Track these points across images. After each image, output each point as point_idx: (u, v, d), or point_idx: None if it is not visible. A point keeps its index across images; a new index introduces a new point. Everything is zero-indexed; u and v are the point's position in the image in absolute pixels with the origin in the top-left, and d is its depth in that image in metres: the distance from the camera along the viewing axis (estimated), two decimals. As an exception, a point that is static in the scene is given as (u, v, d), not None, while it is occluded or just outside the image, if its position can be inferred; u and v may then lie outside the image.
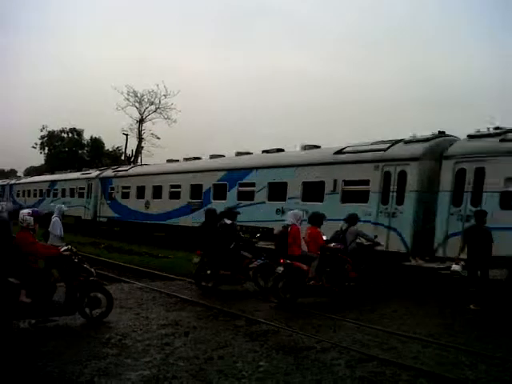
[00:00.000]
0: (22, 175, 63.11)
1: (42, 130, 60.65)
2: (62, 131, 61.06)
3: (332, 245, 10.19)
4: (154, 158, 45.27)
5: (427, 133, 13.57)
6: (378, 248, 11.29)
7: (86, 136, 61.00)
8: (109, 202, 26.61)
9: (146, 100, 51.07)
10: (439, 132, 13.50)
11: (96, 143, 60.17)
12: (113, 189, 26.74)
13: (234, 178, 18.63)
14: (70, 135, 61.35)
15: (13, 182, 44.54)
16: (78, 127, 60.78)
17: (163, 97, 50.18)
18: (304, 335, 7.36)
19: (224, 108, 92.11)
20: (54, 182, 34.63)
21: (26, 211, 7.66)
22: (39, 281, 7.28)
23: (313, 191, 15.36)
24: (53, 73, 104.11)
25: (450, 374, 5.72)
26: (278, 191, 16.60)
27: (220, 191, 19.06)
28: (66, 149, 59.83)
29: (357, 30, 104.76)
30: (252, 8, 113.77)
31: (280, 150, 18.67)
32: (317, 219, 10.22)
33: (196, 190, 20.36)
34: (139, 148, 51.01)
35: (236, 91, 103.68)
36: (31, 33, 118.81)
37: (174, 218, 21.14)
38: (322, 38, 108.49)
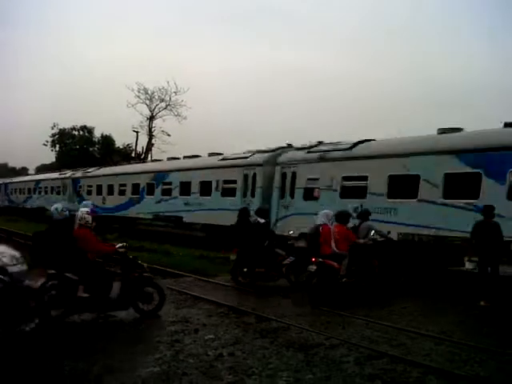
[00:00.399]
0: (34, 173, 63.67)
1: (52, 128, 60.88)
2: (73, 129, 61.30)
3: (362, 241, 10.44)
4: (166, 155, 45.33)
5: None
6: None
7: (97, 133, 61.33)
8: (78, 198, 30.31)
9: (156, 97, 51.11)
10: (287, 144, 18.57)
11: (107, 140, 60.34)
12: (80, 187, 31.62)
13: (159, 178, 23.50)
14: (81, 133, 61.59)
15: (7, 181, 48.65)
16: (88, 125, 61.18)
17: (173, 94, 50.26)
18: (313, 332, 7.38)
19: (236, 106, 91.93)
20: (38, 182, 39.50)
21: (84, 210, 8.04)
22: (97, 277, 7.61)
23: (206, 188, 20.12)
24: (64, 71, 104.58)
25: (460, 371, 5.71)
26: (185, 188, 21.35)
27: (150, 189, 23.99)
28: (77, 146, 60.09)
29: (360, 29, 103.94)
30: (258, 6, 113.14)
31: (196, 156, 23.46)
32: (343, 217, 10.41)
33: (135, 187, 25.20)
34: (149, 145, 51.17)
35: (248, 89, 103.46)
36: (42, 30, 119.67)
37: (122, 210, 25.88)
38: (327, 36, 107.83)
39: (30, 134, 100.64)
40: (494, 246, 9.37)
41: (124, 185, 26.30)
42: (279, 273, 11.08)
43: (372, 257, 10.38)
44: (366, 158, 14.02)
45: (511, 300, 9.38)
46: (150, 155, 49.83)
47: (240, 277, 11.14)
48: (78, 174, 32.66)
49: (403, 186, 12.76)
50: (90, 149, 60.58)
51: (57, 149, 61.66)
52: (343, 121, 75.70)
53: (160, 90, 50.47)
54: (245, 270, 10.96)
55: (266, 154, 17.99)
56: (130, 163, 30.25)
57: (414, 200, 12.40)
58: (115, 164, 35.89)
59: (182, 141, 53.09)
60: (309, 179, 15.50)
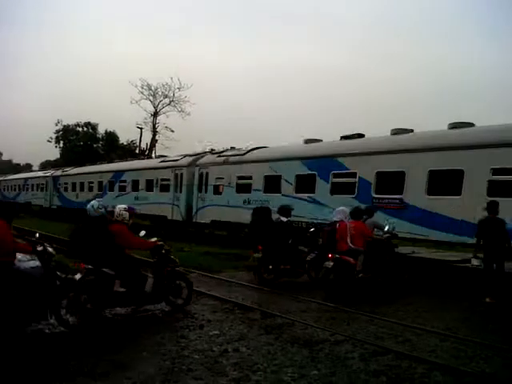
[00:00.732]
0: (38, 169, 63.82)
1: (57, 125, 61.13)
2: (77, 125, 61.42)
3: (377, 236, 10.57)
4: (171, 151, 45.39)
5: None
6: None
7: (101, 130, 61.46)
8: (57, 194, 35.80)
9: (159, 93, 51.30)
10: (211, 149, 23.62)
11: (111, 137, 60.44)
12: (59, 184, 35.77)
13: (117, 177, 27.85)
14: (85, 129, 61.73)
15: (1, 179, 52.09)
16: (92, 121, 61.28)
17: (177, 90, 50.33)
18: (318, 328, 7.38)
19: (239, 102, 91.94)
20: (26, 179, 44.10)
21: (122, 207, 8.21)
22: (133, 271, 7.76)
23: (149, 185, 24.48)
24: (68, 68, 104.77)
25: (466, 368, 5.70)
26: (136, 185, 25.68)
27: (111, 186, 28.26)
28: (81, 143, 60.18)
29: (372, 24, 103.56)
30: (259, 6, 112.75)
31: (150, 158, 30.59)
32: (358, 213, 10.48)
33: (100, 184, 29.65)
34: (153, 141, 51.28)
35: (251, 87, 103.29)
36: (47, 28, 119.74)
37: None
38: (331, 35, 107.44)
39: (35, 130, 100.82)
40: (499, 243, 9.34)
41: (92, 182, 30.76)
42: (304, 269, 11.30)
43: (386, 252, 10.47)
44: (252, 162, 18.42)
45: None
46: (154, 151, 49.97)
47: (265, 274, 11.32)
48: (58, 172, 37.05)
49: (273, 184, 17.02)
50: (94, 145, 60.67)
51: (61, 145, 61.85)
52: (343, 120, 75.63)
53: (163, 86, 50.78)
54: (270, 267, 11.15)
55: (190, 158, 22.56)
56: (103, 163, 33.91)
57: (279, 194, 16.55)
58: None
59: (186, 137, 53.28)
60: (216, 178, 19.93)
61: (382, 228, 10.96)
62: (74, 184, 33.04)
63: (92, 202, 8.15)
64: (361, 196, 13.82)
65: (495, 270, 9.44)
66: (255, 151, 19.09)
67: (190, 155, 23.09)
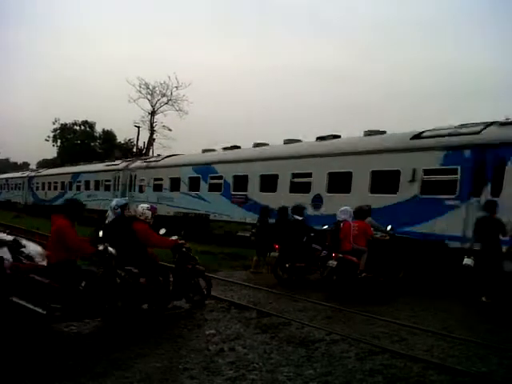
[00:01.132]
0: (35, 168, 63.72)
1: (54, 123, 60.96)
2: (75, 124, 61.24)
3: (379, 236, 10.62)
4: (169, 150, 45.34)
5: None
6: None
7: (98, 129, 61.35)
8: (31, 193, 40.50)
9: (157, 92, 51.15)
10: (157, 155, 28.72)
11: (108, 136, 60.32)
12: (33, 184, 40.36)
13: (75, 178, 32.52)
14: (83, 128, 61.58)
15: None
16: (90, 120, 61.15)
17: (175, 88, 50.23)
18: (314, 327, 7.40)
19: (237, 101, 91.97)
20: (7, 179, 48.77)
21: (145, 206, 8.31)
22: (156, 269, 7.89)
23: (97, 185, 29.16)
24: (65, 66, 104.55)
25: (461, 367, 5.72)
26: (87, 185, 30.56)
27: (70, 186, 32.98)
28: (79, 141, 60.08)
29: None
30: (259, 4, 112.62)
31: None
32: (362, 213, 10.54)
33: (62, 184, 34.31)
34: (151, 140, 51.15)
35: (251, 86, 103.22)
36: (44, 26, 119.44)
37: (54, 201, 33.92)
38: (328, 33, 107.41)
39: (33, 129, 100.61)
40: (495, 242, 9.35)
41: (56, 182, 35.59)
42: (317, 266, 11.40)
43: (387, 252, 10.54)
44: (164, 167, 23.36)
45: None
46: (151, 150, 49.88)
47: (280, 272, 11.47)
48: (32, 174, 42.42)
49: (176, 184, 21.86)
50: (92, 144, 60.54)
51: (58, 144, 61.68)
52: (344, 120, 75.75)
53: (161, 84, 50.58)
54: (287, 265, 11.28)
55: (125, 163, 27.41)
56: (72, 165, 37.85)
57: (179, 192, 21.53)
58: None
59: (184, 136, 53.23)
60: (140, 179, 24.74)
61: (378, 227, 10.98)
62: (43, 184, 38.22)
63: (112, 203, 8.47)
64: (225, 193, 18.78)
65: (491, 270, 9.44)
66: (167, 158, 24.78)
67: (127, 160, 28.84)
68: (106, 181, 27.99)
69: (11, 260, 6.63)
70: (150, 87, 50.68)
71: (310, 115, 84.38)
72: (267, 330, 7.18)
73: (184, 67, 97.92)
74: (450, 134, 12.15)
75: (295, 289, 10.40)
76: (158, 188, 23.22)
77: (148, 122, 51.26)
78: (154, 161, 24.99)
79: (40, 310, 6.14)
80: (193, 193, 20.51)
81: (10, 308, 6.09)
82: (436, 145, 12.10)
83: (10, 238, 7.22)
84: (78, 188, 31.62)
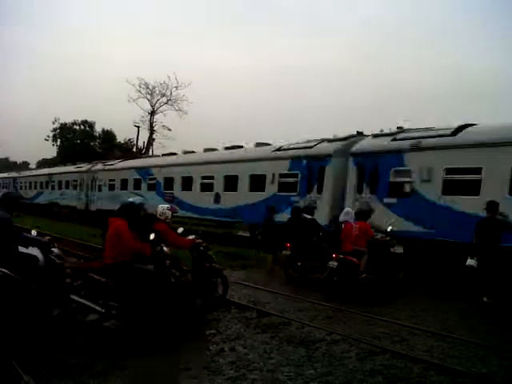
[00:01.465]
0: (35, 167, 63.71)
1: (54, 123, 60.92)
2: (74, 123, 61.19)
3: (380, 236, 10.66)
4: (168, 150, 45.28)
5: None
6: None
7: (98, 128, 61.32)
8: (15, 191, 44.25)
9: (157, 92, 51.15)
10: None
11: (108, 135, 60.29)
12: (17, 183, 45.52)
13: (51, 178, 37.05)
14: (82, 127, 61.54)
15: None
16: (89, 119, 61.12)
17: (174, 88, 50.23)
18: (315, 327, 7.40)
19: (236, 102, 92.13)
20: None
21: (165, 206, 8.52)
22: (176, 268, 7.98)
23: (68, 184, 33.67)
24: (65, 66, 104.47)
25: (461, 368, 5.71)
26: (60, 185, 35.05)
27: (47, 185, 37.54)
28: (78, 141, 60.04)
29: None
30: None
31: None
32: (363, 214, 10.57)
33: (41, 184, 39.05)
34: (150, 140, 51.16)
35: (248, 86, 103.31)
36: (44, 27, 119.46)
37: (34, 199, 39.29)
38: (329, 34, 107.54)
39: (32, 128, 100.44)
40: (496, 243, 9.33)
41: (36, 182, 40.47)
42: None
43: (387, 253, 10.57)
44: (116, 170, 28.00)
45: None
46: (151, 150, 49.88)
47: (290, 270, 11.57)
48: (16, 175, 47.57)
49: (124, 184, 26.27)
50: (91, 143, 60.48)
51: (58, 143, 61.65)
52: (344, 119, 75.81)
53: (161, 84, 50.56)
54: (298, 263, 11.37)
55: (89, 166, 31.80)
56: (49, 167, 43.52)
57: (127, 191, 25.18)
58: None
59: (183, 135, 53.20)
60: (100, 180, 29.06)
61: (378, 229, 11.01)
62: (25, 183, 43.38)
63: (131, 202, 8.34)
64: (158, 192, 22.99)
65: (492, 270, 9.41)
66: (120, 163, 28.95)
67: (90, 164, 32.42)
68: (74, 181, 32.63)
69: (43, 259, 7.00)
70: (150, 87, 50.73)
71: (311, 115, 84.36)
72: (267, 330, 7.18)
73: (184, 67, 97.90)
74: (294, 148, 16.79)
75: (297, 288, 10.41)
76: (112, 188, 27.55)
77: (148, 122, 51.29)
78: (110, 164, 29.50)
79: (98, 308, 6.47)
80: (138, 191, 24.20)
81: (69, 306, 6.58)
82: (286, 156, 16.77)
83: (45, 239, 7.42)
84: (53, 187, 36.24)
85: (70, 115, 63.02)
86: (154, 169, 24.05)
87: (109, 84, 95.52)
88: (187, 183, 21.32)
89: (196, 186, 20.73)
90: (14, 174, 48.30)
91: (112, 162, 29.99)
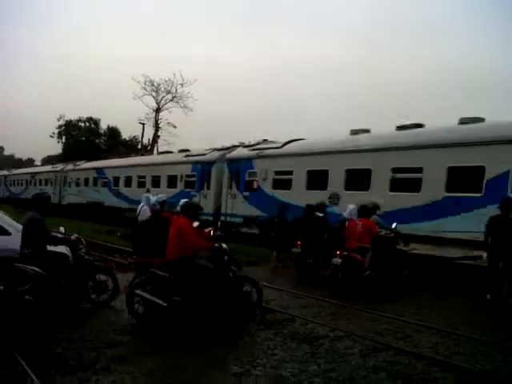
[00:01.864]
0: (40, 164, 63.96)
1: (59, 120, 61.14)
2: (79, 120, 61.43)
3: (383, 233, 10.63)
4: (173, 147, 45.43)
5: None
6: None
7: (103, 125, 61.50)
8: (6, 188, 50.40)
9: (162, 89, 51.24)
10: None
11: (113, 132, 60.47)
12: (7, 181, 50.66)
13: (33, 177, 42.41)
14: (87, 124, 61.73)
15: None
16: (94, 116, 61.29)
17: (180, 85, 50.30)
18: (318, 324, 7.40)
19: (241, 98, 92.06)
20: None
21: (183, 201, 8.46)
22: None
23: (46, 182, 38.70)
24: (70, 63, 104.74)
25: (465, 364, 5.69)
26: (40, 182, 40.19)
27: (31, 182, 42.55)
28: (83, 138, 60.23)
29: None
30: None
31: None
32: (366, 211, 10.57)
33: (26, 182, 44.14)
34: (156, 137, 51.25)
35: (253, 83, 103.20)
36: (50, 25, 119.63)
37: (20, 194, 43.90)
38: (330, 28, 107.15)
39: (38, 125, 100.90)
40: (508, 241, 9.20)
41: (22, 180, 45.75)
42: None
43: (391, 249, 10.56)
44: (81, 170, 33.58)
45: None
46: (156, 147, 49.96)
47: (301, 267, 11.66)
48: (7, 173, 52.38)
49: (87, 182, 31.61)
50: (96, 140, 60.66)
51: (63, 140, 61.83)
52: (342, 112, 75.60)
53: (166, 81, 50.67)
54: (309, 261, 11.46)
55: (62, 166, 37.22)
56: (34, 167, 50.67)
57: (88, 187, 31.55)
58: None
59: (189, 132, 53.20)
60: (70, 178, 34.64)
61: (382, 225, 10.98)
62: (14, 181, 48.48)
63: (151, 199, 8.92)
64: (109, 188, 28.94)
65: (501, 268, 9.30)
66: (85, 164, 34.26)
67: (63, 164, 38.44)
68: (50, 179, 38.17)
69: (72, 257, 7.50)
70: (155, 84, 50.85)
71: (313, 112, 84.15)
72: (271, 327, 7.18)
73: (189, 64, 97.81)
74: (195, 155, 22.44)
75: (302, 285, 10.41)
76: (78, 185, 33.69)
77: (153, 119, 51.42)
78: (78, 165, 34.77)
79: (161, 302, 6.76)
80: (95, 188, 30.58)
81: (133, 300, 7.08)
82: (189, 161, 22.42)
83: (73, 237, 7.83)
84: (35, 184, 41.28)
85: (75, 112, 63.28)
86: (106, 169, 30.07)
87: (114, 81, 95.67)
88: (128, 181, 27.16)
89: (134, 183, 26.46)
90: (4, 173, 53.19)
91: (79, 163, 35.15)
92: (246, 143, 20.88)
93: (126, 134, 60.51)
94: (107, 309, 7.86)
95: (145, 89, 50.73)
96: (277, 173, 17.29)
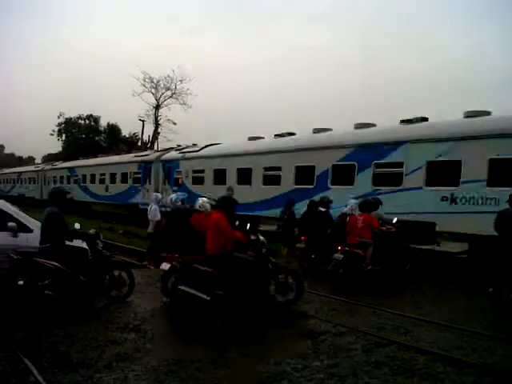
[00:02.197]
0: (40, 162, 63.95)
1: (59, 117, 61.08)
2: (79, 118, 61.38)
3: (385, 228, 10.61)
4: (173, 144, 45.34)
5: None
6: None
7: (103, 123, 61.44)
8: None
9: (161, 86, 51.12)
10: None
11: (113, 129, 60.38)
12: None
13: (19, 176, 46.77)
14: (87, 122, 61.67)
15: None
16: (94, 114, 61.22)
17: (179, 82, 50.19)
18: (320, 319, 7.41)
19: (240, 95, 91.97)
20: None
21: (205, 199, 8.68)
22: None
23: (34, 181, 42.55)
24: (69, 60, 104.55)
25: (467, 358, 5.70)
26: (21, 181, 46.01)
27: (17, 181, 47.01)
28: (83, 135, 60.20)
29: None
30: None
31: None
32: (367, 206, 10.55)
33: (13, 180, 48.16)
34: (155, 134, 51.19)
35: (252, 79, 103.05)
36: (48, 21, 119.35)
37: (8, 191, 47.13)
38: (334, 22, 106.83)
39: (39, 123, 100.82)
40: None
41: (9, 178, 49.76)
42: None
43: (393, 244, 10.55)
44: (58, 169, 37.76)
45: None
46: (156, 144, 49.91)
47: (305, 262, 11.72)
48: None
49: (62, 179, 35.71)
50: (96, 138, 60.62)
51: (63, 138, 61.80)
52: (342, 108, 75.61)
53: (165, 78, 50.53)
54: (312, 256, 11.53)
55: (42, 166, 42.74)
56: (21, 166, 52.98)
57: (63, 184, 33.30)
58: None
59: (189, 129, 53.17)
60: (48, 176, 38.84)
61: (385, 220, 10.98)
62: (3, 180, 51.89)
63: (171, 196, 9.21)
64: (79, 185, 33.03)
65: (508, 262, 9.24)
66: (61, 164, 38.64)
67: (44, 164, 44.93)
68: (33, 178, 42.61)
69: (90, 252, 7.68)
70: (154, 81, 50.72)
71: (315, 108, 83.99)
72: (273, 323, 7.19)
73: (189, 59, 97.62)
74: (140, 156, 27.13)
75: (305, 281, 10.38)
76: (54, 182, 36.45)
77: (152, 116, 51.32)
78: (55, 165, 39.90)
79: (204, 297, 7.05)
80: (68, 185, 32.86)
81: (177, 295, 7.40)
82: (136, 160, 26.71)
83: (91, 231, 8.07)
84: (21, 182, 45.77)
85: (75, 110, 63.21)
86: (76, 168, 34.65)
87: (114, 78, 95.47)
88: (93, 178, 31.53)
89: (97, 180, 30.78)
90: None
91: (56, 163, 40.30)
92: (193, 146, 23.74)
93: (125, 131, 60.53)
94: (112, 306, 7.90)
95: (144, 85, 50.65)
96: (194, 171, 21.50)
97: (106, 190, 29.25)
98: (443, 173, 12.05)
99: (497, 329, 7.04)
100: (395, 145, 13.22)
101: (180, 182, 22.24)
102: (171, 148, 25.69)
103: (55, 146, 64.35)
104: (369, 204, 10.64)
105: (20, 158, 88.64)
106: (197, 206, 8.52)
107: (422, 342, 6.41)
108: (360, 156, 14.09)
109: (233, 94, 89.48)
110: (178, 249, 8.04)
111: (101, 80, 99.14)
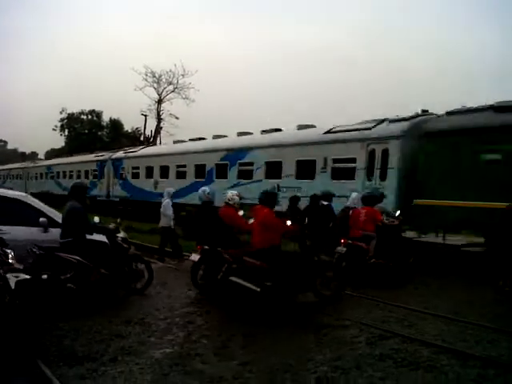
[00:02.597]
0: (43, 158, 64.13)
1: (61, 113, 61.13)
2: (82, 113, 61.40)
3: (387, 221, 10.62)
4: (174, 138, 45.34)
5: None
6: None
7: (105, 117, 61.43)
8: None
9: (163, 80, 50.99)
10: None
11: (115, 124, 60.40)
12: None
13: (7, 173, 51.38)
14: (89, 117, 61.71)
15: None
16: (96, 109, 61.23)
17: (181, 76, 50.07)
18: (323, 313, 7.42)
19: (241, 89, 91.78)
20: None
21: (234, 192, 9.27)
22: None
23: (18, 177, 47.88)
24: (71, 55, 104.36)
25: (471, 351, 5.71)
26: (18, 177, 47.75)
27: (8, 177, 49.76)
28: (86, 130, 60.24)
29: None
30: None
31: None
32: (370, 199, 10.55)
33: (4, 176, 51.46)
34: (158, 128, 51.15)
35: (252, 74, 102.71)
36: (50, 18, 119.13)
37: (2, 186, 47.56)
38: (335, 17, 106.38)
39: (41, 119, 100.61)
40: None
41: (2, 175, 52.66)
42: None
43: (396, 237, 10.56)
44: (39, 167, 42.70)
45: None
46: (158, 138, 49.90)
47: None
48: None
49: (41, 176, 41.05)
50: (99, 133, 60.67)
51: (66, 133, 61.86)
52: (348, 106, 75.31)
53: (167, 72, 50.39)
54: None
55: (25, 164, 47.03)
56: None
57: (42, 180, 40.38)
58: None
59: (191, 123, 53.04)
60: (30, 173, 43.64)
61: (389, 214, 10.98)
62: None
63: (203, 188, 9.37)
64: (55, 181, 36.83)
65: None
66: (41, 162, 44.77)
67: (26, 162, 48.73)
68: (20, 174, 46.57)
69: (110, 245, 7.82)
70: (156, 75, 50.60)
71: (317, 103, 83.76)
72: (277, 316, 7.20)
73: (191, 54, 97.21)
74: (98, 155, 32.03)
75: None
76: (36, 178, 41.59)
77: (155, 111, 51.23)
78: (36, 163, 45.21)
79: (254, 288, 7.27)
80: (47, 181, 38.20)
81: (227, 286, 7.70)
82: (95, 159, 31.77)
83: (111, 225, 8.29)
84: (11, 178, 49.19)
85: (78, 105, 63.24)
86: (53, 166, 38.76)
87: (116, 73, 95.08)
88: (64, 174, 35.65)
89: (67, 176, 34.77)
90: None
91: (38, 161, 45.69)
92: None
93: (128, 126, 60.52)
94: (117, 299, 7.94)
95: (146, 80, 50.55)
96: (133, 168, 26.93)
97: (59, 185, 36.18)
98: (274, 170, 17.25)
99: (501, 321, 7.03)
100: (249, 149, 18.86)
101: (123, 176, 27.74)
102: (119, 148, 32.78)
103: (58, 141, 64.50)
104: (372, 197, 10.62)
105: (23, 153, 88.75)
106: (226, 199, 8.89)
107: (426, 334, 6.41)
108: (231, 157, 19.64)
109: (236, 89, 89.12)
110: (208, 240, 8.32)
111: (103, 75, 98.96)
